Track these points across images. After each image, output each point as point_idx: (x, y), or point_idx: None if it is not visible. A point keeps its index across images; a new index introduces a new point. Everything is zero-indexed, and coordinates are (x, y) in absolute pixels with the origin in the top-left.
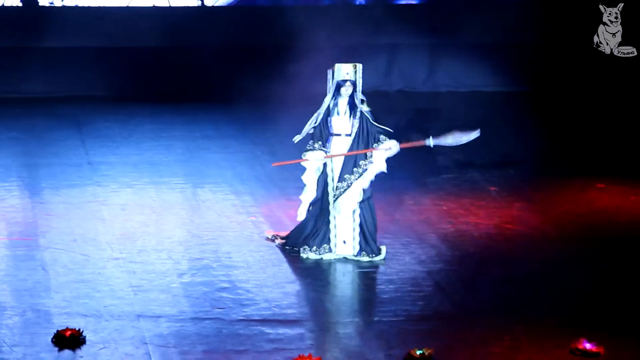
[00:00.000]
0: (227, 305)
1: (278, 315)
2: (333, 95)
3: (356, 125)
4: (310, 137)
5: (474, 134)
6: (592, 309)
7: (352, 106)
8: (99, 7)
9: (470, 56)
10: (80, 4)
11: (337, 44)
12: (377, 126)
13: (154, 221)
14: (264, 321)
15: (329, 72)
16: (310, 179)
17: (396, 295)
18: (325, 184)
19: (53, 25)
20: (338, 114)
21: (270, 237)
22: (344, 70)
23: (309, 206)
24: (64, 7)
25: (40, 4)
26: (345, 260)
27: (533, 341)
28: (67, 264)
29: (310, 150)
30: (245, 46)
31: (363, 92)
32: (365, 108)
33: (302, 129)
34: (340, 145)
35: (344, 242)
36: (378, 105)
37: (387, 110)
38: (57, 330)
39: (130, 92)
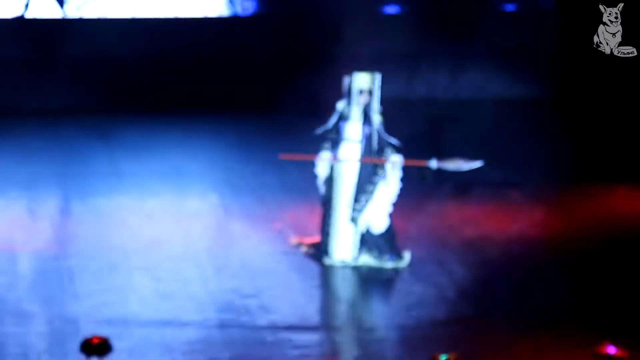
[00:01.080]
0: (253, 311)
1: (303, 321)
2: (349, 102)
3: (367, 133)
4: (321, 139)
5: (476, 164)
6: (616, 312)
7: (366, 114)
8: (124, 18)
9: (493, 63)
10: (105, 15)
11: (362, 52)
12: (386, 138)
13: (180, 229)
14: (290, 327)
15: (346, 78)
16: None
17: (420, 300)
18: (332, 189)
19: (78, 36)
20: (351, 120)
21: (295, 244)
22: (362, 80)
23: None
24: (88, 19)
25: (67, 14)
26: (369, 266)
27: (556, 345)
28: (94, 272)
29: (321, 151)
30: (272, 55)
31: (384, 100)
32: (377, 119)
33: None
34: (350, 151)
35: (346, 246)
36: (399, 113)
37: (408, 118)
38: (85, 338)
39: (156, 102)
